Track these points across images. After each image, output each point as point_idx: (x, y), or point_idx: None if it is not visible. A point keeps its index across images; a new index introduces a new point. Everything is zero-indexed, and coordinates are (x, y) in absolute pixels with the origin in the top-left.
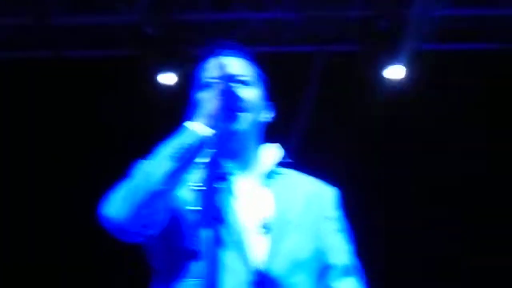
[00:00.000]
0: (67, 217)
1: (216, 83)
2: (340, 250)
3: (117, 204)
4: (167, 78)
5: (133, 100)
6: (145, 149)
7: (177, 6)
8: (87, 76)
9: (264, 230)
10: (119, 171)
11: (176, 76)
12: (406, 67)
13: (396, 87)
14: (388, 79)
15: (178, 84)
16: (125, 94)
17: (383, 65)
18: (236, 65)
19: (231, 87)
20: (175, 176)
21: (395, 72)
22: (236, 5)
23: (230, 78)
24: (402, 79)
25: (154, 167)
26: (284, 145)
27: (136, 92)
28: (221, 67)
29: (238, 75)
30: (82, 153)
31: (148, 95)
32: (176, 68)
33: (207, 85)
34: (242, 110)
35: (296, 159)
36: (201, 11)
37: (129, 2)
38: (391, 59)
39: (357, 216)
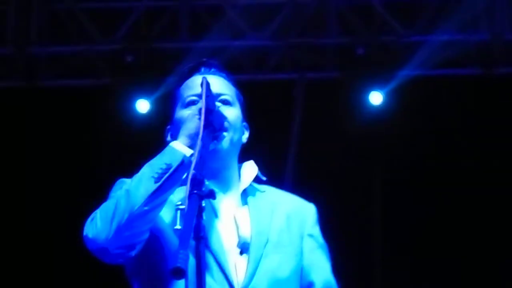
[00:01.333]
0: (47, 241)
1: (198, 101)
2: (321, 267)
3: (99, 226)
4: (145, 106)
5: (110, 129)
6: (123, 175)
7: (156, 34)
8: (65, 106)
9: (242, 250)
10: (96, 197)
11: (154, 104)
12: (385, 93)
13: (376, 112)
14: (368, 105)
15: (155, 111)
16: (102, 122)
17: (363, 91)
18: (217, 83)
19: (214, 105)
20: (157, 197)
21: (375, 98)
22: (215, 33)
23: (212, 97)
24: (381, 104)
25: (135, 188)
26: (266, 168)
27: (114, 120)
28: (204, 85)
29: (220, 94)
30: (59, 180)
31: (126, 123)
32: (154, 96)
33: (189, 103)
34: (224, 129)
35: (292, 185)
36: (180, 39)
37: (107, 30)
38: (371, 85)
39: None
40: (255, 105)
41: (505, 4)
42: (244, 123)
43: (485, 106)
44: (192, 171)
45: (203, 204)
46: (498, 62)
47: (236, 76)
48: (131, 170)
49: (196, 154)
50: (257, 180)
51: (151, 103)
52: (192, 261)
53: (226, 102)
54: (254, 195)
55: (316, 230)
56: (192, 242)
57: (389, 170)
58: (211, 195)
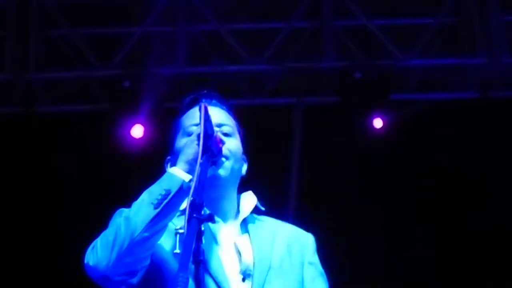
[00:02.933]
0: (45, 269)
1: (199, 129)
2: None
3: (100, 253)
4: (140, 131)
5: (108, 154)
6: (120, 202)
7: (154, 59)
8: (63, 131)
9: (245, 277)
10: (94, 223)
11: (151, 129)
12: (384, 117)
13: (375, 137)
14: (366, 129)
15: (153, 137)
16: (100, 148)
17: (361, 116)
18: (218, 114)
19: (212, 130)
20: (156, 223)
21: (375, 122)
22: (213, 58)
23: (210, 122)
24: (381, 129)
25: (135, 214)
26: (264, 193)
27: (111, 146)
28: (202, 110)
29: (221, 124)
30: (55, 207)
31: (124, 148)
32: (150, 121)
33: (190, 131)
34: (225, 156)
35: (295, 211)
36: (178, 65)
37: (104, 56)
38: (369, 109)
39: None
40: (252, 130)
41: (502, 27)
42: (243, 156)
43: (483, 129)
44: (191, 196)
45: (202, 228)
46: (495, 86)
47: (234, 101)
48: (128, 195)
49: (195, 179)
50: (256, 210)
51: (148, 128)
52: (191, 284)
53: (227, 133)
54: (254, 223)
55: (316, 259)
56: (192, 266)
57: (389, 193)
58: (210, 218)
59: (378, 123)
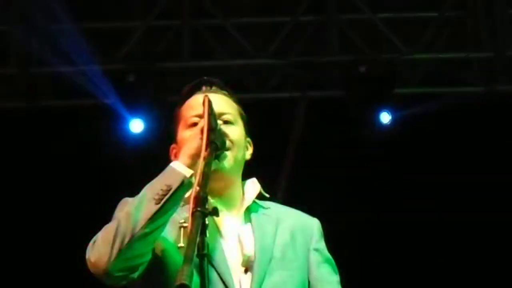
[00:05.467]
0: (47, 261)
1: (200, 120)
2: (328, 281)
3: (101, 249)
4: (141, 125)
5: (113, 148)
6: (122, 195)
7: (158, 54)
8: (67, 125)
9: (248, 268)
10: (96, 217)
11: (155, 124)
12: (390, 111)
13: (381, 131)
14: (370, 122)
15: (156, 131)
16: (105, 142)
17: (366, 109)
18: (218, 102)
19: (216, 124)
20: (158, 218)
21: (381, 116)
22: (217, 52)
23: (214, 115)
24: (387, 123)
25: (136, 210)
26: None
27: (116, 140)
28: (205, 104)
29: (221, 113)
30: (59, 199)
31: (129, 143)
32: (155, 116)
33: (192, 125)
34: (227, 147)
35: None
36: (183, 59)
37: (108, 50)
38: (375, 103)
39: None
40: (257, 124)
41: (508, 20)
42: (248, 139)
43: (488, 123)
44: (195, 189)
45: (207, 222)
46: (501, 79)
47: (238, 95)
48: (131, 189)
49: (199, 172)
50: (260, 197)
51: (152, 123)
52: (196, 278)
53: (228, 121)
54: (257, 211)
55: (322, 245)
56: (196, 260)
57: (394, 188)
58: (215, 212)
59: (385, 117)
